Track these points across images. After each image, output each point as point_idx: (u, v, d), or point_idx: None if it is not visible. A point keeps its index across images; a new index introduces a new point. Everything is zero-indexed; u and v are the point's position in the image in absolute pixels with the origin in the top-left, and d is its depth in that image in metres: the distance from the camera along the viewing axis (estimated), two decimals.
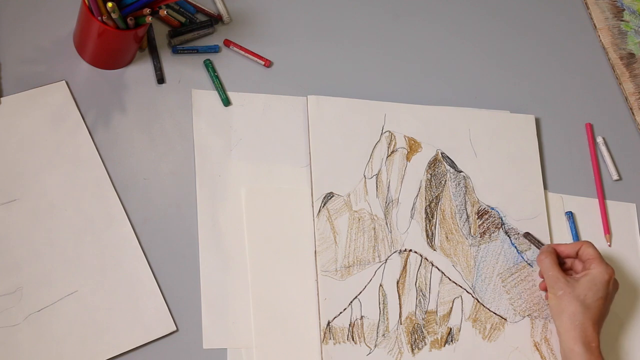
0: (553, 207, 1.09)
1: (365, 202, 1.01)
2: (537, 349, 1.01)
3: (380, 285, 0.98)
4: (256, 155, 1.01)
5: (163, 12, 0.93)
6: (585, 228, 1.09)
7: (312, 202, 0.99)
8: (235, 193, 0.98)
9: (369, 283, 0.98)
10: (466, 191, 1.06)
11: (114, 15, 0.90)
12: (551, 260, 0.98)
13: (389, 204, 1.02)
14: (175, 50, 1.03)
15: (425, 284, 1.00)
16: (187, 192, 0.97)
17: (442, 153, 1.07)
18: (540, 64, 1.20)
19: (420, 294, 0.99)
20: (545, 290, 1.00)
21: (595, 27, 1.25)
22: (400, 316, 0.98)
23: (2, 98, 0.95)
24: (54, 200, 0.92)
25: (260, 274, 0.95)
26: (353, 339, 0.95)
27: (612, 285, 0.97)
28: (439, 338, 0.98)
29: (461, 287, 1.01)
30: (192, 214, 0.96)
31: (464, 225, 1.04)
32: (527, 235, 1.04)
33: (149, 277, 0.91)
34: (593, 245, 0.99)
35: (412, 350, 0.97)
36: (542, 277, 1.01)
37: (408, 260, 1.00)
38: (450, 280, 1.01)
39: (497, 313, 1.01)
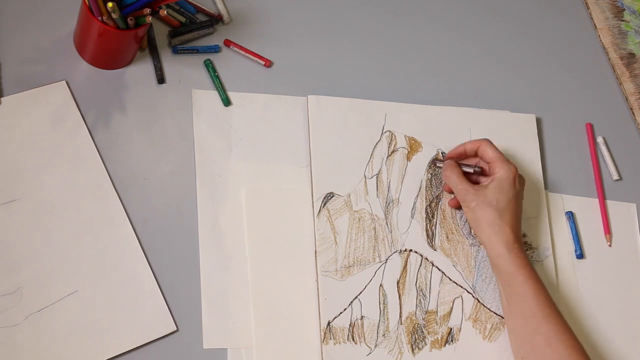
0: (553, 207, 1.09)
1: (366, 202, 1.01)
2: None
3: (381, 285, 0.98)
4: (256, 155, 1.01)
5: (163, 12, 0.93)
6: (585, 228, 1.09)
7: (312, 202, 0.99)
8: (235, 193, 0.98)
9: (369, 283, 0.98)
10: None
11: (114, 15, 0.90)
12: (457, 174, 0.99)
13: (389, 203, 1.02)
14: (176, 50, 1.03)
15: (426, 284, 1.00)
16: (187, 192, 0.97)
17: (442, 153, 1.07)
18: (540, 64, 1.20)
19: (421, 294, 0.99)
20: (455, 207, 1.03)
21: (596, 27, 1.25)
22: (400, 316, 0.98)
23: (2, 98, 0.95)
24: (54, 200, 0.92)
25: (260, 274, 0.95)
26: (353, 339, 0.95)
27: (518, 183, 0.98)
28: (439, 338, 0.98)
29: (461, 287, 1.01)
30: (192, 214, 0.96)
31: (464, 225, 1.04)
32: (435, 161, 1.04)
33: (149, 277, 0.91)
34: (492, 144, 1.00)
35: (413, 350, 0.96)
36: (448, 191, 1.03)
37: (408, 260, 1.00)
38: (450, 280, 1.01)
39: (498, 313, 1.01)
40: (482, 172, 1.02)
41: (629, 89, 1.21)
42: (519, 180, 0.99)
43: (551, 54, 1.21)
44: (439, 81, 1.13)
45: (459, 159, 1.03)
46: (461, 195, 0.98)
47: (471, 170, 1.01)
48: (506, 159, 0.99)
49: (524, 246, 1.04)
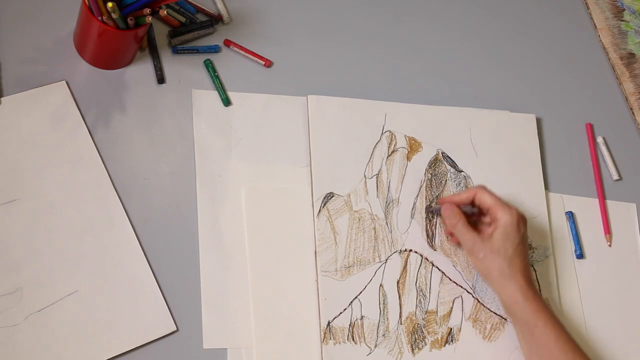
0: (553, 207, 1.09)
1: (366, 202, 1.01)
2: None
3: (381, 285, 0.98)
4: (256, 155, 1.01)
5: (163, 12, 0.93)
6: (585, 228, 1.09)
7: (312, 202, 0.99)
8: (235, 193, 0.98)
9: (369, 283, 0.98)
10: None
11: (114, 15, 0.90)
12: (464, 222, 0.97)
13: (389, 203, 1.02)
14: (176, 50, 1.03)
15: (426, 284, 1.00)
16: (187, 192, 0.97)
17: (442, 153, 1.07)
18: (540, 64, 1.20)
19: (421, 294, 0.99)
20: (455, 243, 1.01)
21: (596, 27, 1.25)
22: (400, 316, 0.98)
23: (2, 98, 0.95)
24: (54, 200, 0.92)
25: (260, 274, 0.95)
26: (353, 339, 0.95)
27: (522, 225, 0.97)
28: (439, 338, 0.98)
29: (461, 287, 1.01)
30: (192, 214, 0.96)
31: None
32: (428, 208, 1.02)
33: (149, 277, 0.91)
34: (487, 190, 0.98)
35: (413, 350, 0.96)
36: (449, 234, 1.01)
37: (408, 260, 1.00)
38: (450, 280, 1.01)
39: (498, 313, 1.01)
40: (481, 212, 0.99)
41: (629, 89, 1.21)
42: (522, 221, 0.97)
43: (551, 54, 1.21)
44: (439, 81, 1.13)
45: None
46: (468, 245, 0.96)
47: (469, 212, 0.98)
48: (505, 202, 0.97)
49: None
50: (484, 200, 0.97)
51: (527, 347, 0.94)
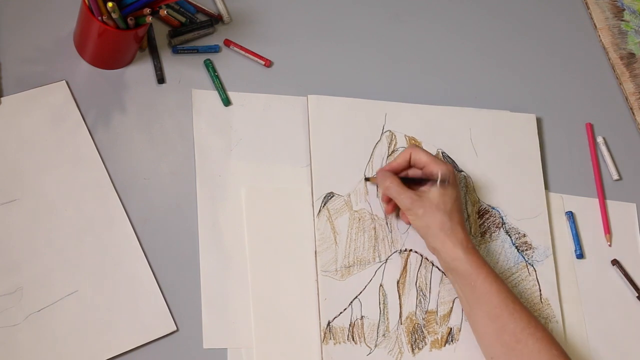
0: (553, 206, 1.09)
1: (366, 202, 1.01)
2: None
3: (381, 285, 0.98)
4: (256, 155, 1.01)
5: (163, 12, 0.93)
6: (585, 228, 1.09)
7: (313, 202, 0.99)
8: (235, 193, 0.98)
9: (369, 283, 0.98)
10: (467, 191, 1.06)
11: (114, 15, 0.90)
12: (398, 183, 0.96)
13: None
14: (176, 50, 1.03)
15: (426, 284, 1.00)
16: (187, 192, 0.97)
17: (442, 152, 1.07)
18: (540, 64, 1.20)
19: (421, 293, 0.99)
20: (392, 212, 1.00)
21: (596, 27, 1.25)
22: (400, 316, 0.98)
23: (2, 98, 0.95)
24: (54, 200, 0.92)
25: (260, 274, 0.95)
26: (353, 339, 0.95)
27: (455, 180, 0.97)
28: (439, 338, 0.98)
29: None
30: (192, 214, 0.96)
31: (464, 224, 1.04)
32: (367, 179, 1.01)
33: (149, 277, 0.91)
34: (421, 149, 0.98)
35: (413, 350, 0.96)
36: (386, 201, 1.00)
37: (408, 260, 1.00)
38: None
39: None
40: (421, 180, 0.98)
41: (629, 89, 1.21)
42: (455, 177, 0.97)
43: (551, 54, 1.21)
44: (439, 81, 1.13)
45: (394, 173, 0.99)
46: (406, 204, 0.95)
47: (418, 176, 0.98)
48: (440, 159, 0.98)
49: (524, 246, 1.05)
50: (419, 157, 0.97)
51: (468, 303, 0.94)
